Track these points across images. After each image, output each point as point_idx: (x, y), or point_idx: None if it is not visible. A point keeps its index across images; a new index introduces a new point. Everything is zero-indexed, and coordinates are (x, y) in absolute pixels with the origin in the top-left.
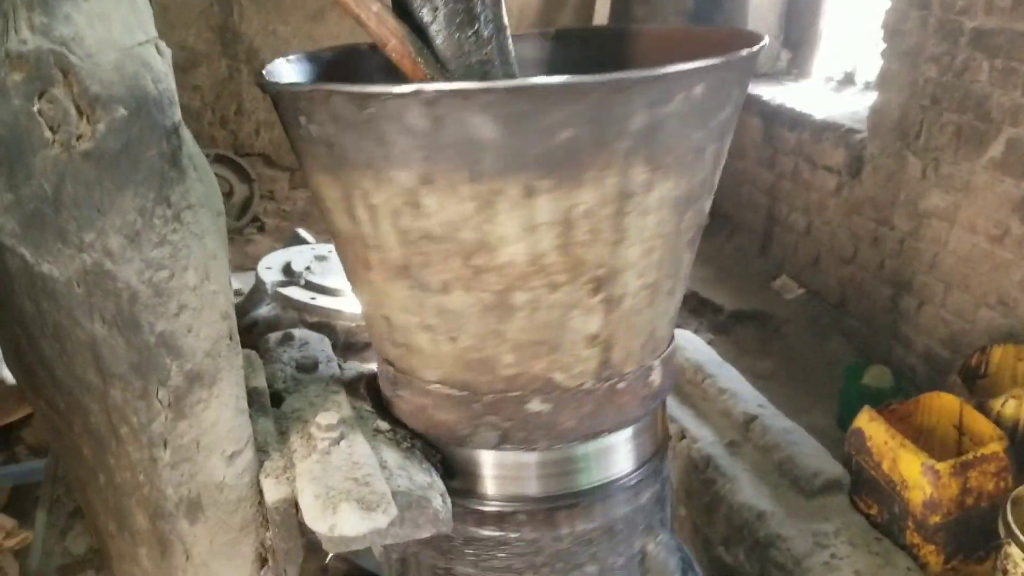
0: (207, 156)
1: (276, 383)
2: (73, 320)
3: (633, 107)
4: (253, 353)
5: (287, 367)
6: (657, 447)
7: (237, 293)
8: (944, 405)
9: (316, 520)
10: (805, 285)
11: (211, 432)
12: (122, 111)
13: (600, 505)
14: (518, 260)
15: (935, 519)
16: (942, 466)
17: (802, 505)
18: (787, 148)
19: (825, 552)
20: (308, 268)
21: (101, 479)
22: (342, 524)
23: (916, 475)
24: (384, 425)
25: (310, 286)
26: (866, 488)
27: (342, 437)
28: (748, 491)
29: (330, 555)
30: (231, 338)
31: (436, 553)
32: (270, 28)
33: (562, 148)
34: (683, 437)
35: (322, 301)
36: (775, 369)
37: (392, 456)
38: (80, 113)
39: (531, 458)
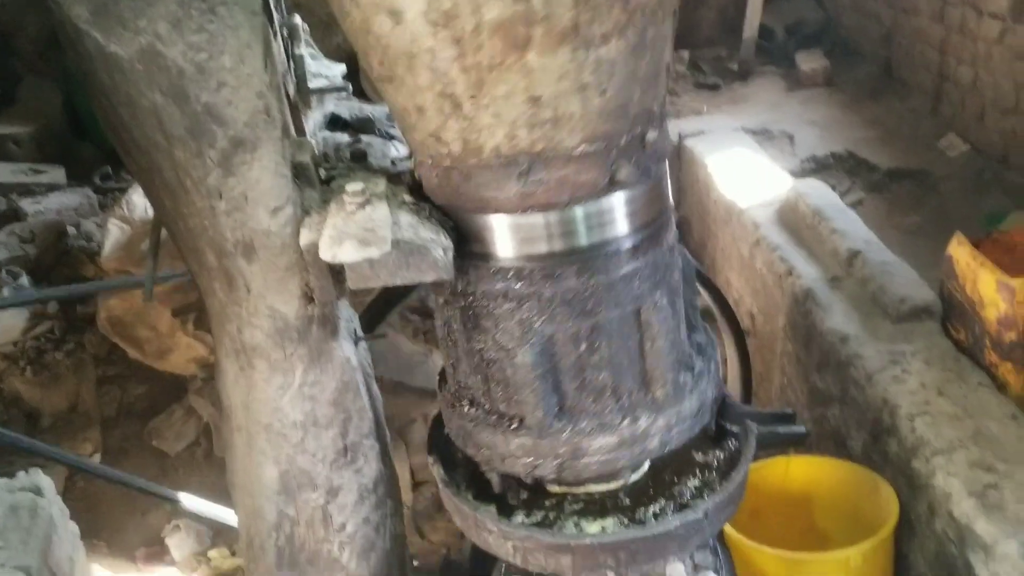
0: None
1: (331, 168)
2: (138, 91)
3: None
4: (305, 139)
5: (345, 154)
6: (655, 216)
7: None
8: None
9: (324, 250)
10: (970, 142)
11: (255, 188)
12: None
13: (600, 262)
14: None
15: (1011, 336)
16: (1017, 282)
17: (888, 329)
18: None
19: (897, 368)
20: None
21: (180, 225)
22: (342, 253)
23: (992, 292)
24: (408, 198)
25: None
26: (955, 313)
27: (368, 203)
28: (838, 318)
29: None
30: (268, 113)
31: (466, 310)
32: None
33: None
34: (790, 274)
35: None
36: (924, 224)
37: (407, 218)
38: None
39: (539, 219)
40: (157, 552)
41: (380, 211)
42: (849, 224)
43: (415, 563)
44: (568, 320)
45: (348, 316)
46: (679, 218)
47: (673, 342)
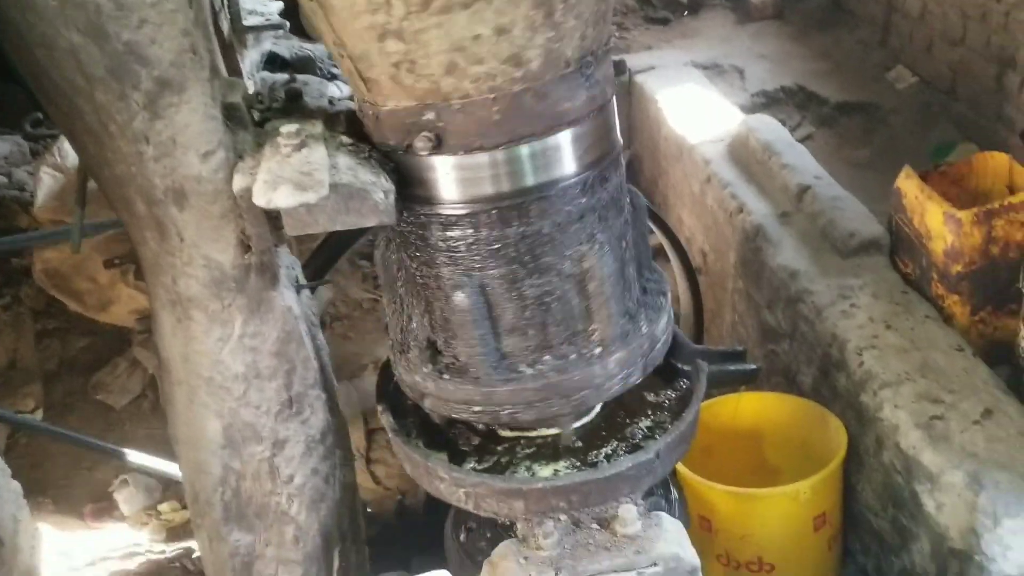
0: None
1: (266, 110)
2: (55, 30)
3: None
4: (236, 79)
5: (280, 95)
6: (603, 154)
7: None
8: (998, 165)
9: (259, 196)
10: (919, 74)
11: (184, 132)
12: None
13: (546, 203)
14: None
15: (957, 268)
16: (964, 214)
17: (836, 264)
18: None
19: (846, 302)
20: None
21: (106, 172)
22: (277, 198)
23: (939, 225)
24: (347, 139)
25: None
26: (903, 247)
27: (304, 145)
28: (788, 254)
29: None
30: (195, 52)
31: (410, 254)
32: None
33: None
34: (740, 211)
35: None
36: (873, 158)
37: (345, 160)
38: None
39: (483, 159)
40: (105, 508)
41: (317, 153)
42: (799, 159)
43: (369, 510)
44: (513, 263)
45: (290, 263)
46: (630, 155)
47: (621, 284)
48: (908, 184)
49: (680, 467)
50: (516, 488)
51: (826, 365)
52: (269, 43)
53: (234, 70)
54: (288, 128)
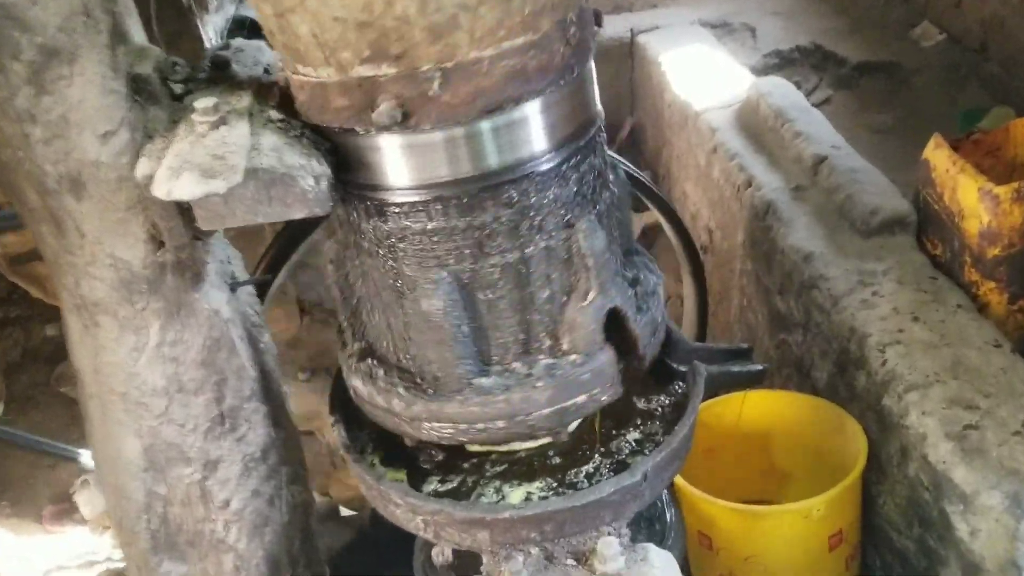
0: None
1: (188, 81)
2: None
3: None
4: (147, 46)
5: (206, 64)
6: (580, 128)
7: None
8: None
9: (158, 185)
10: (946, 30)
11: (79, 109)
12: None
13: (512, 188)
14: None
15: (993, 251)
16: (1001, 190)
17: (856, 245)
18: None
19: (866, 290)
20: None
21: None
22: (179, 188)
23: (973, 201)
24: (276, 115)
25: None
26: (932, 225)
27: (223, 122)
28: (801, 233)
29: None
30: (88, 15)
31: (356, 247)
32: None
33: None
34: (749, 185)
35: None
36: (896, 123)
37: (271, 140)
38: None
39: (437, 137)
40: (65, 510)
41: (237, 132)
42: (814, 126)
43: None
44: (478, 259)
45: (225, 257)
46: (632, 123)
47: (601, 280)
48: (937, 155)
49: (677, 478)
50: (479, 518)
51: (843, 361)
52: (234, 6)
53: (195, 36)
54: (204, 103)
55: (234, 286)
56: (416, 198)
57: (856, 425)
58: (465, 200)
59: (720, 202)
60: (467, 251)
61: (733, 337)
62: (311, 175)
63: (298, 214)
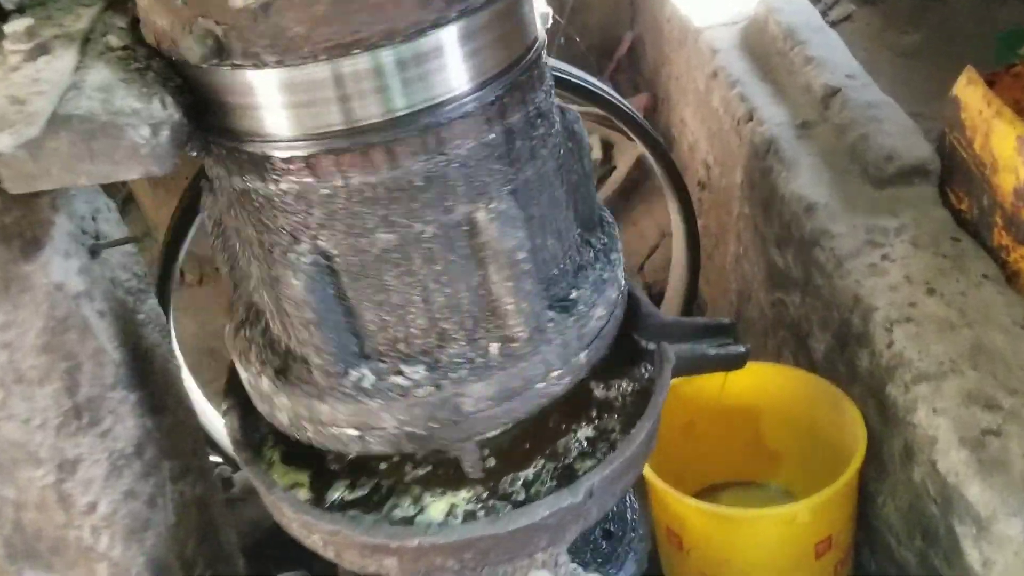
0: None
1: None
2: None
3: None
4: None
5: None
6: (513, 59)
7: None
8: None
9: None
10: None
11: None
12: None
13: (423, 138)
14: None
15: None
16: None
17: (867, 196)
18: None
19: (875, 252)
20: None
21: None
22: None
23: (1009, 151)
24: (117, 42)
25: None
26: (958, 176)
27: (43, 51)
28: (805, 178)
29: None
30: None
31: (233, 210)
32: None
33: None
34: (750, 119)
35: None
36: (923, 44)
37: (101, 76)
38: None
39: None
40: None
41: (59, 65)
42: (829, 50)
43: None
44: (373, 229)
45: (87, 212)
46: (632, 37)
47: (540, 259)
48: (969, 92)
49: (646, 470)
50: (382, 544)
51: (844, 335)
52: None
53: None
54: (15, 25)
55: (95, 249)
56: (297, 151)
57: (855, 411)
58: (359, 154)
59: (719, 134)
60: (353, 219)
61: (727, 287)
62: (146, 123)
63: (132, 173)
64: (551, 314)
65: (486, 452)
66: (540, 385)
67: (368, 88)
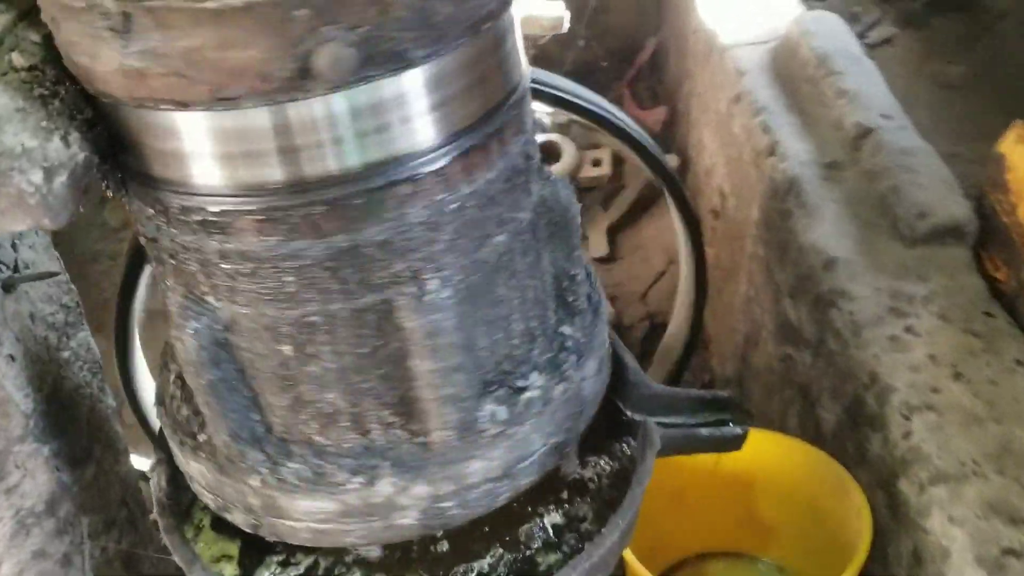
0: None
1: None
2: None
3: None
4: None
5: None
6: (487, 111)
7: None
8: None
9: None
10: None
11: None
12: None
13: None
14: None
15: None
16: None
17: (895, 255)
18: None
19: (899, 323)
20: None
21: None
22: None
23: None
24: (22, 61)
25: None
26: (997, 241)
27: None
28: (826, 228)
29: None
30: None
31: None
32: None
33: None
34: (772, 153)
35: None
36: (970, 77)
37: None
38: None
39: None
40: None
41: None
42: (865, 84)
43: None
44: (296, 301)
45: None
46: (656, 43)
47: (483, 346)
48: (1018, 152)
49: (626, 553)
50: None
51: (856, 413)
52: None
53: None
54: None
55: (9, 283)
56: (222, 207)
57: (862, 499)
58: (297, 215)
59: (738, 164)
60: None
61: (735, 327)
62: (39, 166)
63: (17, 225)
64: (489, 410)
65: (437, 535)
66: (465, 497)
67: (312, 140)
